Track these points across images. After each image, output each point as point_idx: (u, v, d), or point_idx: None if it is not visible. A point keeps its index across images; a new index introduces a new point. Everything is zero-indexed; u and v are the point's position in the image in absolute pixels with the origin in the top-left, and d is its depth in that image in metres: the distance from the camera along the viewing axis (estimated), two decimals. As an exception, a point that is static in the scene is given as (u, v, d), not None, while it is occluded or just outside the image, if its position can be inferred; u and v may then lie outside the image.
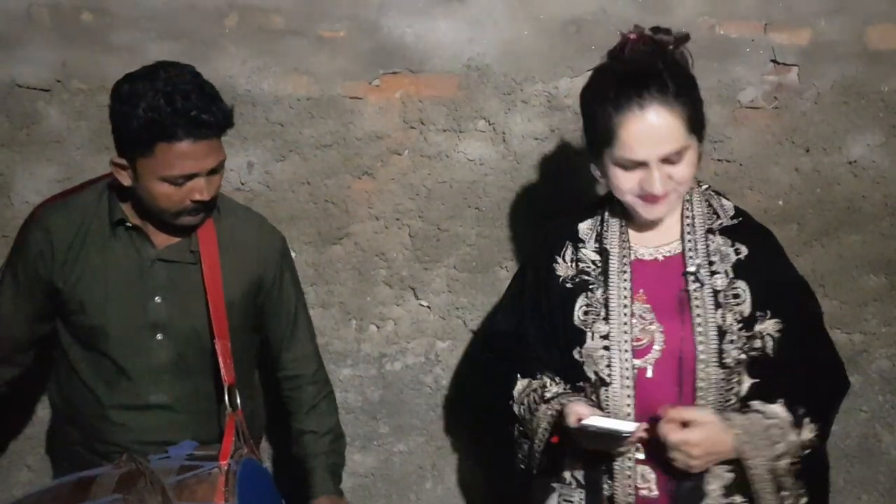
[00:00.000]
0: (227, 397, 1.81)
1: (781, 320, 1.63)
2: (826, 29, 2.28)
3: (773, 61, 2.30)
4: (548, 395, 1.70)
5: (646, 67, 1.58)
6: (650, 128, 1.55)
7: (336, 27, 2.25)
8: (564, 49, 2.27)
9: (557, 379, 1.73)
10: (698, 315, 1.62)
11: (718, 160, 2.34)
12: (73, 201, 1.89)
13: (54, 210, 1.88)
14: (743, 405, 1.63)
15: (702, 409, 1.60)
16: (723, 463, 1.61)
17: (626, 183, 1.61)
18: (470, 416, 2.47)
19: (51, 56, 2.23)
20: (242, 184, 2.30)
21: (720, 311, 1.62)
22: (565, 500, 1.73)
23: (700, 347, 1.61)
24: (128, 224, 1.83)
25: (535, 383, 1.74)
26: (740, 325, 1.62)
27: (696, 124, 1.60)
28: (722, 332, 1.61)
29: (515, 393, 1.75)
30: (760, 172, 2.35)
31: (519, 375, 1.77)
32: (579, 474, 1.71)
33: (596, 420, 1.57)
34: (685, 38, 1.66)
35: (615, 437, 1.57)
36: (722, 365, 1.61)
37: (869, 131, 2.33)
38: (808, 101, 2.32)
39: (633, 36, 1.63)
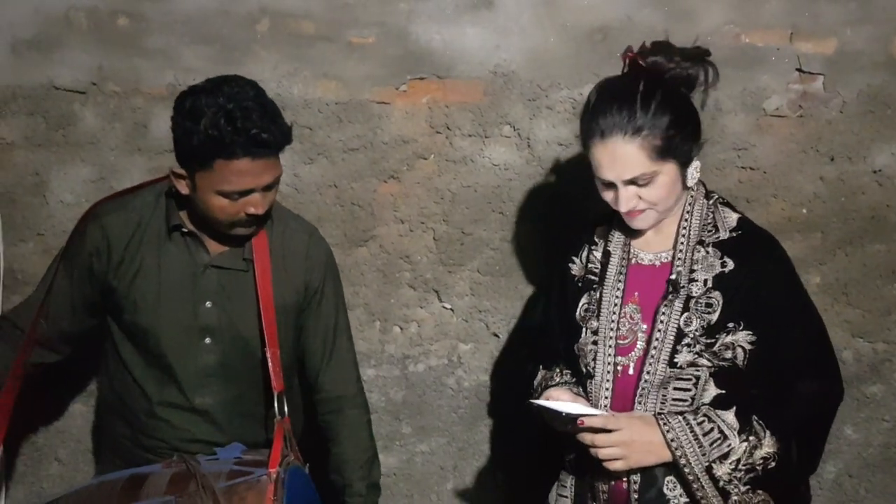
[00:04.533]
0: (276, 404, 1.83)
1: (755, 333, 1.64)
2: (852, 38, 2.28)
3: (799, 70, 2.30)
4: (551, 383, 1.80)
5: (621, 93, 1.66)
6: (612, 155, 1.65)
7: (365, 33, 2.28)
8: (590, 56, 2.29)
9: (567, 370, 1.82)
10: (663, 314, 1.68)
11: (742, 168, 2.35)
12: (131, 202, 1.91)
13: (113, 209, 1.90)
14: (695, 409, 1.65)
15: (618, 415, 1.64)
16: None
17: (605, 196, 1.72)
18: (491, 417, 2.50)
19: (87, 59, 2.28)
20: (271, 186, 2.34)
21: (685, 314, 1.66)
22: (561, 485, 1.81)
23: (655, 344, 1.67)
24: (184, 229, 1.87)
25: (548, 374, 1.85)
26: (703, 331, 1.65)
27: (669, 151, 1.64)
28: (681, 335, 1.66)
29: (535, 383, 1.86)
30: (784, 181, 2.35)
31: (541, 367, 1.88)
32: (573, 459, 1.77)
33: (545, 401, 1.65)
34: (695, 55, 1.70)
35: (564, 420, 1.62)
36: (671, 364, 1.65)
37: (894, 141, 2.32)
38: (834, 110, 2.32)
39: (629, 55, 1.72)
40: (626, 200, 1.66)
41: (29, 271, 2.32)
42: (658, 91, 1.65)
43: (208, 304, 1.88)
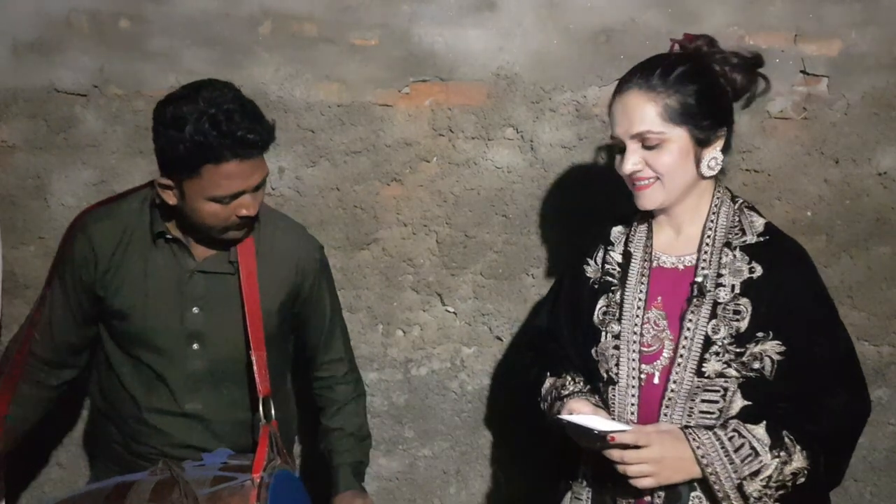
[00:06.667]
0: (261, 408, 1.83)
1: (784, 343, 1.59)
2: (856, 40, 2.28)
3: (803, 72, 2.29)
4: (564, 392, 1.74)
5: (648, 61, 1.67)
6: (623, 107, 1.63)
7: (368, 35, 2.28)
8: (593, 58, 2.29)
9: (578, 378, 1.77)
10: (690, 321, 1.63)
11: (747, 170, 2.34)
12: (116, 209, 1.91)
13: (98, 218, 1.90)
14: (723, 423, 1.61)
15: (645, 429, 1.59)
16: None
17: (618, 165, 1.67)
18: (494, 421, 2.49)
19: (88, 62, 2.27)
20: (273, 189, 2.33)
21: (713, 321, 1.61)
22: (576, 497, 1.75)
23: (681, 352, 1.62)
24: (168, 236, 1.86)
25: (559, 381, 1.78)
26: (732, 339, 1.60)
27: (684, 117, 1.61)
28: (708, 343, 1.61)
29: (543, 391, 1.81)
30: (789, 183, 2.34)
31: (549, 374, 1.82)
32: (590, 472, 1.72)
33: (574, 416, 1.60)
34: (744, 60, 1.69)
35: (595, 437, 1.56)
36: (699, 373, 1.60)
37: (899, 143, 2.32)
38: (838, 112, 2.31)
39: (675, 41, 1.73)
40: (631, 160, 1.62)
41: (30, 274, 2.32)
42: (687, 63, 1.63)
43: (195, 309, 1.88)
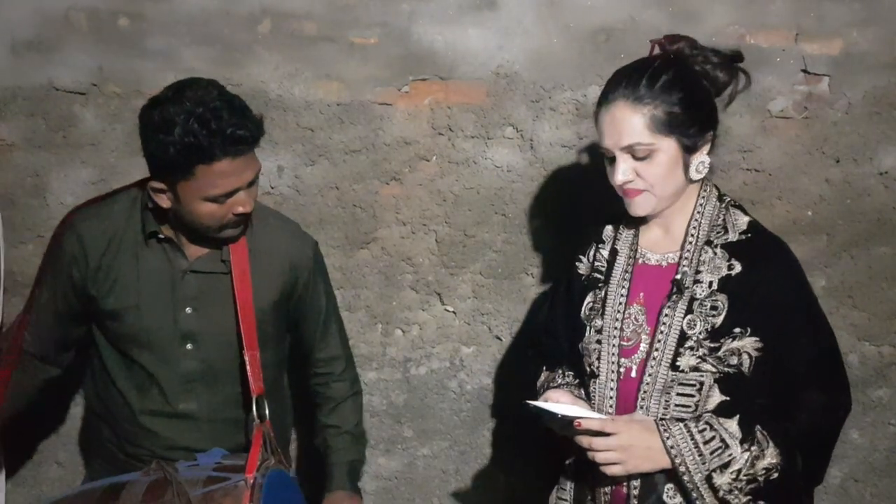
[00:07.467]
0: (255, 408, 1.83)
1: (762, 340, 1.61)
2: (858, 39, 2.27)
3: (804, 71, 2.28)
4: (553, 385, 1.78)
5: (634, 67, 1.67)
6: (612, 119, 1.64)
7: (367, 34, 2.27)
8: (593, 57, 2.28)
9: (569, 371, 1.81)
10: (666, 316, 1.65)
11: (747, 170, 2.33)
12: (106, 208, 1.90)
13: (88, 217, 1.89)
14: (697, 416, 1.63)
15: (617, 418, 1.62)
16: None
17: (609, 175, 1.70)
18: (493, 421, 2.49)
19: (87, 60, 2.27)
20: (272, 188, 2.33)
21: (689, 316, 1.63)
22: (560, 488, 1.78)
23: (657, 346, 1.64)
24: (160, 236, 1.85)
25: (551, 375, 1.83)
26: (707, 335, 1.62)
27: (671, 127, 1.62)
28: (683, 337, 1.63)
29: (538, 384, 1.85)
30: (790, 182, 2.34)
31: (545, 368, 1.86)
32: (573, 463, 1.75)
33: (541, 402, 1.63)
34: (725, 56, 1.70)
35: (561, 422, 1.59)
36: (673, 367, 1.63)
37: (900, 142, 2.31)
38: (839, 111, 2.30)
39: (655, 41, 1.74)
40: (621, 171, 1.64)
41: (28, 273, 2.31)
42: (671, 70, 1.64)
43: (188, 309, 1.87)
